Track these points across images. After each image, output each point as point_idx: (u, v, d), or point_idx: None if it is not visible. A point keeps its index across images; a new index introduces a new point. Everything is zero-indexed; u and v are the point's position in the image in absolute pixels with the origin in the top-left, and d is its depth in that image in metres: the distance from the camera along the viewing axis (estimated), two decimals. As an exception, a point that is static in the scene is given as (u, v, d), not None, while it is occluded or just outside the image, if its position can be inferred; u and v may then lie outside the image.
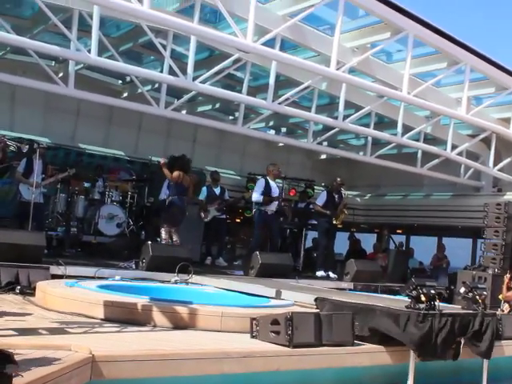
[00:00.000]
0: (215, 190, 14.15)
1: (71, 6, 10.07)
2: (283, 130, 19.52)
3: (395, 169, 15.71)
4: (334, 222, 13.35)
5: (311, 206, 15.16)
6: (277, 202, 12.86)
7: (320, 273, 13.15)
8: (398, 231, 20.11)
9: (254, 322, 6.08)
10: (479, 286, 7.58)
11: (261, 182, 12.78)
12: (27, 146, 10.74)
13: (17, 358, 3.86)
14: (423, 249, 19.70)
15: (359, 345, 6.30)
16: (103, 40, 10.45)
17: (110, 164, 15.33)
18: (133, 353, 4.78)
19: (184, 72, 10.91)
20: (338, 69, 11.39)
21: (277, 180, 13.59)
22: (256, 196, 12.60)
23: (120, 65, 10.63)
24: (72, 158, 15.29)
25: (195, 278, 9.51)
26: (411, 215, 18.17)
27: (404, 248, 19.40)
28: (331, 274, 13.04)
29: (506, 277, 10.53)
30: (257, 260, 10.89)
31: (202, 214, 13.74)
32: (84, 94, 11.27)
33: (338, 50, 11.07)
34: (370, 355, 6.29)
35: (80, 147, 15.83)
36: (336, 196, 13.62)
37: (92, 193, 13.46)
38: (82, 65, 13.04)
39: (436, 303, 6.58)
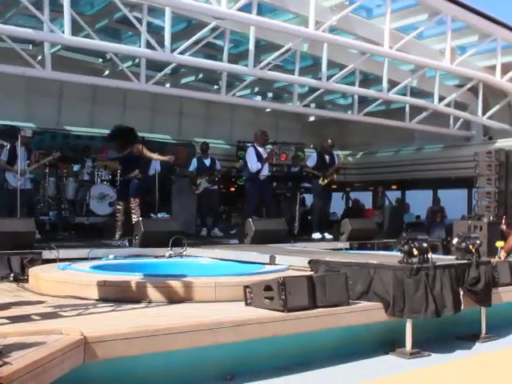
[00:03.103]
0: (205, 161, 14.07)
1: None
2: (269, 95, 19.38)
3: (385, 125, 15.68)
4: (320, 182, 13.23)
5: (304, 170, 15.09)
6: (267, 167, 12.84)
7: (316, 235, 13.12)
8: (393, 187, 20.09)
9: (248, 289, 6.06)
10: (472, 235, 7.55)
11: (251, 151, 12.65)
12: None
13: (7, 346, 3.85)
14: (420, 203, 19.68)
15: (355, 303, 6.29)
16: (77, 19, 10.26)
17: (98, 144, 15.20)
18: (125, 331, 4.73)
19: (163, 45, 10.76)
20: (317, 29, 11.27)
21: (267, 147, 13.50)
22: (254, 165, 12.44)
23: (95, 42, 10.47)
24: (58, 141, 15.15)
25: (190, 251, 9.46)
26: (404, 170, 18.16)
27: (398, 203, 19.40)
28: (327, 235, 13.02)
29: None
30: (250, 227, 10.82)
31: (193, 187, 13.69)
32: (63, 75, 11.03)
33: (315, 10, 10.94)
34: (367, 313, 6.27)
35: (66, 129, 15.71)
36: (327, 157, 13.53)
37: (81, 174, 13.40)
38: (59, 46, 12.88)
39: (429, 256, 6.56)
